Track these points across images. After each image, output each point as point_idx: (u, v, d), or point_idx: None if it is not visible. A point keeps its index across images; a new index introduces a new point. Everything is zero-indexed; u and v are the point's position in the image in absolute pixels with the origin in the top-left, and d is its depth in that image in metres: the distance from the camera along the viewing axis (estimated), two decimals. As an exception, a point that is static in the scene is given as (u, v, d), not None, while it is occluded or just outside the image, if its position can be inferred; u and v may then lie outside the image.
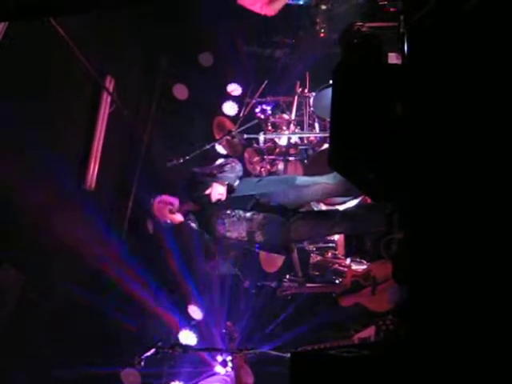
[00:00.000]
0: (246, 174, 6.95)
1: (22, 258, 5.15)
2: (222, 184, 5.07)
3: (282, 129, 7.30)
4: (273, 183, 5.09)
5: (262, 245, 5.24)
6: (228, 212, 5.00)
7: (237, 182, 5.17)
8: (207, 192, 5.06)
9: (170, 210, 5.08)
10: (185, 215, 5.12)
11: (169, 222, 5.12)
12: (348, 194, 5.40)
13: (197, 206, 5.15)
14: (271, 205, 5.01)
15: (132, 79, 7.02)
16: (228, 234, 5.02)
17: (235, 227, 4.99)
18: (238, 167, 5.25)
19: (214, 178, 5.12)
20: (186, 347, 5.24)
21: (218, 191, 5.05)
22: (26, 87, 5.09)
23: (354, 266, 6.27)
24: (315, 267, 6.79)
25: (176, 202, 5.13)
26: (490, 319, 2.74)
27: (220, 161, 5.34)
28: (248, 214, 4.99)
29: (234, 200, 5.04)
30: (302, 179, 5.23)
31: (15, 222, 5.05)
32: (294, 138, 7.03)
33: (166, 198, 5.14)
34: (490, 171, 2.88)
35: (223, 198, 5.05)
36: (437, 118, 3.06)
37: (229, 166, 5.20)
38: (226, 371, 5.81)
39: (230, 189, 5.11)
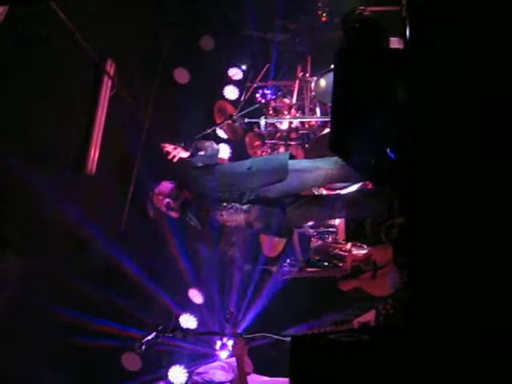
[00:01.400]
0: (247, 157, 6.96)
1: (21, 244, 5.15)
2: (186, 152, 5.12)
3: (283, 113, 7.30)
4: (262, 175, 5.06)
5: (262, 231, 5.30)
6: (224, 204, 5.07)
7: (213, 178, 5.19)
8: (167, 148, 5.11)
9: (168, 205, 5.11)
10: (182, 207, 5.15)
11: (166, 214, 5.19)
12: (350, 179, 5.40)
13: (193, 195, 5.19)
14: (267, 197, 5.03)
15: (133, 63, 6.99)
16: (228, 224, 5.12)
17: (233, 218, 5.08)
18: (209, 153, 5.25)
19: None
20: (187, 331, 5.27)
21: (180, 154, 5.08)
22: (25, 71, 5.08)
23: (355, 251, 6.28)
24: (316, 252, 6.80)
25: (174, 190, 5.15)
26: (489, 304, 2.74)
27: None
28: (244, 207, 5.05)
29: (230, 196, 5.07)
30: (302, 164, 5.21)
31: (15, 208, 5.04)
32: (295, 123, 7.03)
33: (163, 188, 5.15)
34: (494, 158, 2.88)
35: (182, 155, 5.08)
36: (438, 102, 3.05)
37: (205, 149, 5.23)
38: (226, 357, 5.83)
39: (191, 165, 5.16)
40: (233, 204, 5.05)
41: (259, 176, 5.03)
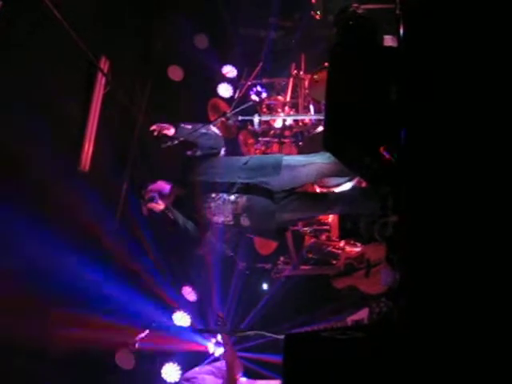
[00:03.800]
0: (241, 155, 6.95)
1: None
2: (170, 128, 5.11)
3: (276, 111, 7.30)
4: (256, 170, 5.06)
5: (250, 229, 5.23)
6: (213, 195, 5.02)
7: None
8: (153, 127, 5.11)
9: (153, 198, 5.06)
10: (169, 202, 5.13)
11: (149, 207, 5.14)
12: (343, 173, 5.39)
13: (185, 190, 5.17)
14: (258, 189, 5.01)
15: (127, 60, 6.98)
16: (214, 219, 5.06)
17: (220, 210, 5.02)
18: (211, 142, 5.23)
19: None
20: (180, 329, 5.27)
21: (164, 128, 5.08)
22: (20, 69, 5.07)
23: (348, 249, 6.29)
24: (309, 249, 6.80)
25: (167, 187, 5.13)
26: (483, 302, 2.75)
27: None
28: (232, 197, 5.00)
29: (220, 185, 5.05)
30: (295, 159, 5.22)
31: (11, 203, 5.03)
32: (289, 121, 7.02)
33: (156, 185, 5.14)
34: (487, 157, 2.88)
35: (167, 132, 5.07)
36: (431, 101, 3.06)
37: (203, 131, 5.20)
38: (213, 363, 5.83)
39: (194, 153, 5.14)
40: (221, 195, 5.02)
41: (253, 171, 5.03)
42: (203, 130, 5.15)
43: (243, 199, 4.98)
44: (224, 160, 5.31)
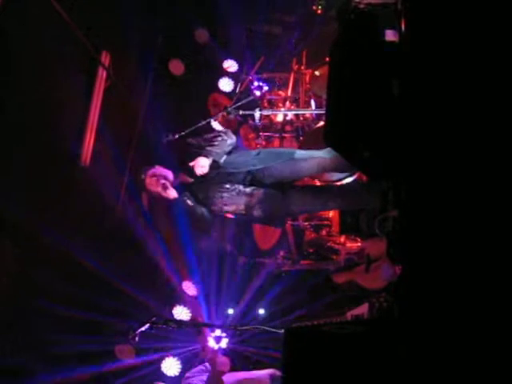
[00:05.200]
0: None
1: (17, 232, 5.15)
2: (206, 157, 5.06)
3: (277, 106, 7.29)
4: (270, 157, 5.08)
5: (260, 219, 5.24)
6: (227, 186, 5.01)
7: (224, 158, 5.13)
8: (191, 164, 5.05)
9: (164, 186, 5.04)
10: (179, 191, 5.09)
11: (163, 195, 5.09)
12: (344, 168, 5.39)
13: (191, 178, 5.14)
14: (269, 180, 5.02)
15: (128, 54, 6.97)
16: (225, 208, 5.05)
17: (233, 201, 5.01)
18: (229, 141, 5.21)
19: (201, 150, 5.10)
20: (180, 322, 5.27)
21: (200, 164, 5.03)
22: (20, 63, 5.06)
23: (349, 244, 6.29)
24: (310, 244, 6.81)
25: (171, 173, 5.12)
26: (485, 297, 2.75)
27: (212, 133, 5.30)
28: (248, 190, 5.00)
29: (233, 174, 5.04)
30: (299, 152, 5.24)
31: (12, 198, 5.04)
32: (290, 115, 7.02)
33: (159, 170, 5.12)
34: (490, 150, 2.88)
35: (205, 171, 5.02)
36: (433, 96, 3.06)
37: (219, 139, 5.18)
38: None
39: (215, 165, 5.09)
40: (236, 186, 5.01)
41: (264, 159, 5.04)
42: (215, 143, 5.14)
43: (260, 192, 4.99)
44: (235, 153, 5.30)
